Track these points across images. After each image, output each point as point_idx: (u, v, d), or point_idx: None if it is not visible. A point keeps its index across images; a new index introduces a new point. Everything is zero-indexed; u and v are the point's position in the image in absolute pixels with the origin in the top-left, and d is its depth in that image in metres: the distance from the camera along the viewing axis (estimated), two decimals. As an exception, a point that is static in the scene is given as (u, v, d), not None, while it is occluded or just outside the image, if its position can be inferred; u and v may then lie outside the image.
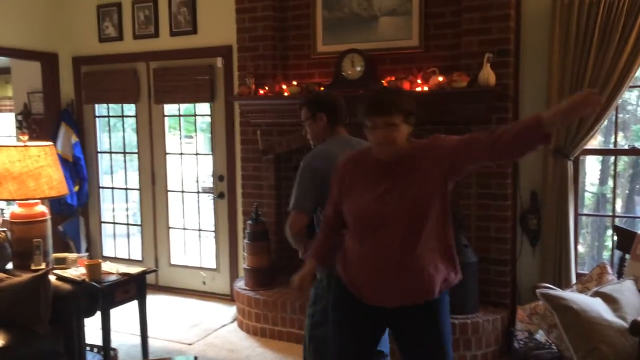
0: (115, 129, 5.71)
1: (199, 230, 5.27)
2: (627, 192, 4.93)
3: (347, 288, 2.25)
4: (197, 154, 5.25)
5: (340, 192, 2.27)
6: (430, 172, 2.10)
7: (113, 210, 5.71)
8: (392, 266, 2.11)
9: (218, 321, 4.51)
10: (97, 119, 5.63)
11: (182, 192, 5.31)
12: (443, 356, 2.19)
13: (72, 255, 3.72)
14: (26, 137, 3.65)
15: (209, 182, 5.23)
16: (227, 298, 4.98)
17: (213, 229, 5.14)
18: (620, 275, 2.92)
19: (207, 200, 5.22)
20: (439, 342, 2.18)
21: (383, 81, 3.98)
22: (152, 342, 3.91)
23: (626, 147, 4.19)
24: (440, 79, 3.77)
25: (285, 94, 4.23)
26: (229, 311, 4.67)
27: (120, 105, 5.52)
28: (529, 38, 3.82)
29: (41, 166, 3.50)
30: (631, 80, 3.53)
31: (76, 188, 5.41)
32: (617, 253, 3.10)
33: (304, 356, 2.87)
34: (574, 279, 3.56)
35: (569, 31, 3.57)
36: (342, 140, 2.82)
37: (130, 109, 5.47)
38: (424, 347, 2.20)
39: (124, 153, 5.59)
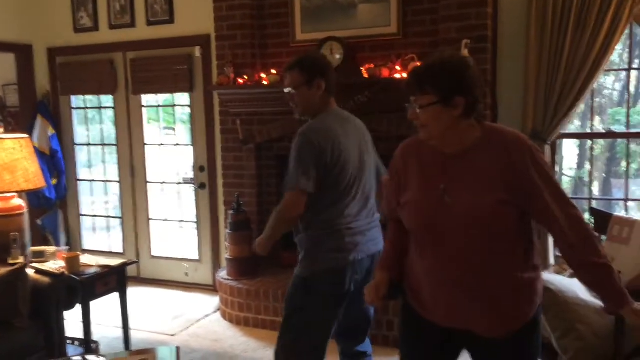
0: (93, 121, 5.64)
1: (181, 221, 5.24)
2: (603, 175, 5.01)
3: (410, 299, 1.94)
4: (177, 144, 5.21)
5: (396, 191, 1.89)
6: (501, 178, 1.69)
7: (92, 203, 5.65)
8: (467, 286, 1.75)
9: (201, 312, 4.50)
10: (73, 111, 5.55)
11: (163, 183, 5.27)
12: None
13: (50, 249, 3.68)
14: (1, 130, 3.58)
15: (189, 173, 5.20)
16: (210, 288, 4.97)
17: (194, 219, 5.12)
18: (597, 256, 2.97)
19: (188, 191, 5.19)
20: None
21: (362, 69, 3.97)
22: (134, 334, 3.89)
23: (602, 130, 4.25)
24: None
25: (265, 82, 4.21)
26: (212, 301, 4.67)
27: (97, 96, 5.44)
28: (507, 24, 3.84)
29: (17, 159, 3.44)
30: (606, 64, 3.57)
31: (54, 181, 5.34)
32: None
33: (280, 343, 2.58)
34: (552, 262, 3.61)
35: (546, 17, 3.60)
36: (340, 116, 2.51)
37: (107, 100, 5.39)
38: None
39: (102, 145, 5.52)
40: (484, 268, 1.73)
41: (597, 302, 2.47)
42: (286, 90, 2.49)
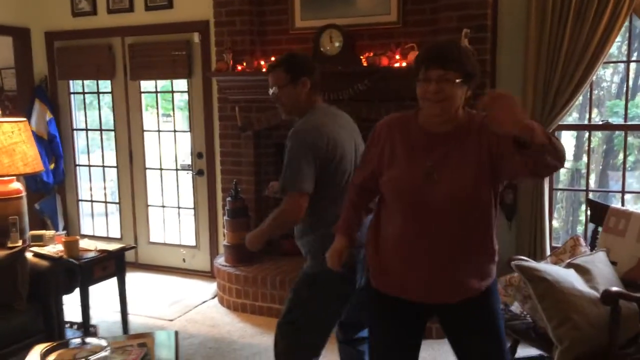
0: (91, 106, 5.62)
1: (178, 207, 5.25)
2: (600, 167, 5.04)
3: (374, 278, 2.00)
4: (175, 131, 5.20)
5: (379, 161, 1.94)
6: (483, 153, 1.80)
7: (90, 188, 5.64)
8: (440, 258, 1.85)
9: (199, 298, 4.52)
10: (72, 96, 5.52)
11: (161, 169, 5.27)
12: (501, 349, 1.95)
13: (49, 233, 3.69)
14: (-1, 113, 3.58)
15: (187, 160, 5.19)
16: (208, 275, 4.99)
17: (192, 206, 5.12)
18: (593, 247, 3.00)
19: (186, 178, 5.19)
20: (496, 333, 1.94)
21: (361, 57, 3.97)
22: (132, 319, 3.92)
23: (600, 123, 4.26)
24: (415, 58, 3.76)
25: (264, 69, 4.19)
26: (210, 288, 4.69)
27: (95, 81, 5.42)
28: (507, 14, 3.83)
29: (15, 142, 3.43)
30: (605, 57, 3.57)
31: (52, 166, 5.33)
32: (591, 226, 3.18)
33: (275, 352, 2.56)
34: (548, 252, 3.64)
35: (546, 8, 3.59)
36: (330, 111, 2.48)
37: (105, 85, 5.37)
38: (479, 342, 1.94)
39: (101, 130, 5.51)
40: (459, 243, 1.85)
41: (593, 293, 2.51)
42: (270, 90, 2.47)
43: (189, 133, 5.06)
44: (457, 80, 1.76)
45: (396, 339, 2.01)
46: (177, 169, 5.24)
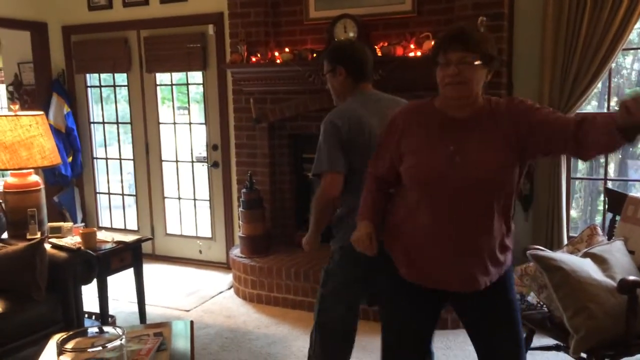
0: (108, 99, 5.67)
1: (194, 199, 5.28)
2: (620, 156, 4.95)
3: (397, 267, 1.98)
4: (190, 123, 5.23)
5: (397, 150, 1.93)
6: (506, 139, 1.80)
7: (108, 181, 5.71)
8: (467, 244, 1.85)
9: (215, 288, 4.56)
10: (88, 89, 5.58)
11: (177, 162, 5.30)
12: (518, 337, 1.95)
13: (67, 225, 3.73)
14: (17, 107, 3.62)
15: (203, 152, 5.22)
16: (223, 266, 5.03)
17: (208, 198, 5.16)
18: (610, 236, 2.95)
19: (202, 170, 5.22)
20: (512, 322, 1.93)
21: (376, 47, 3.94)
22: (150, 310, 3.96)
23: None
24: (434, 43, 3.73)
25: (278, 61, 4.19)
26: (226, 279, 4.72)
27: (111, 74, 5.46)
28: (523, 1, 3.77)
29: (33, 136, 3.48)
30: (624, 43, 3.51)
31: (70, 159, 5.40)
32: (608, 215, 3.13)
33: (310, 344, 2.59)
34: (565, 242, 3.60)
35: (563, -7, 3.54)
36: (368, 97, 2.48)
37: (122, 78, 5.42)
38: (496, 330, 1.94)
39: (117, 123, 5.56)
40: (484, 228, 1.85)
41: (610, 282, 2.47)
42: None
43: (204, 125, 5.08)
44: (477, 62, 1.75)
45: (413, 324, 2.01)
46: (192, 161, 5.28)
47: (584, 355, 2.48)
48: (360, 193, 2.17)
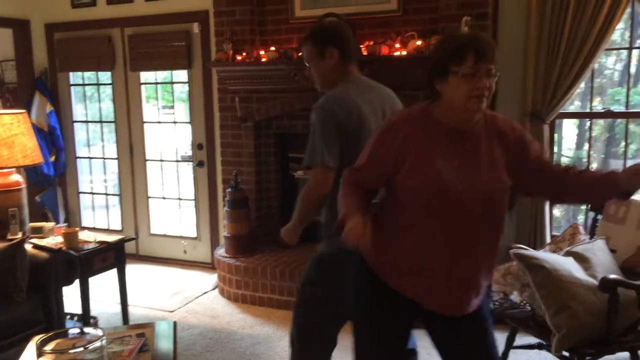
0: (92, 98, 5.61)
1: (179, 199, 5.25)
2: (602, 156, 5.00)
3: (387, 284, 1.85)
4: (175, 122, 5.19)
5: (397, 160, 1.75)
6: (504, 157, 1.77)
7: (91, 180, 5.65)
8: (468, 266, 1.76)
9: (199, 289, 4.53)
10: (72, 88, 5.52)
11: (161, 161, 5.26)
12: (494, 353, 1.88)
13: (48, 225, 3.69)
14: (-2, 105, 3.57)
15: (188, 151, 5.19)
16: (208, 266, 5.00)
17: (193, 197, 5.13)
18: (592, 235, 2.97)
19: (187, 169, 5.19)
20: (492, 347, 1.87)
21: (362, 46, 3.94)
22: (133, 310, 3.93)
23: (602, 110, 4.23)
24: (419, 43, 3.74)
25: (264, 59, 4.18)
26: (210, 279, 4.70)
27: (95, 73, 5.41)
28: (507, 1, 3.79)
29: (14, 134, 3.43)
30: (607, 44, 3.54)
31: (52, 158, 5.33)
32: (591, 214, 3.16)
33: (290, 342, 2.49)
34: (548, 241, 3.62)
35: (547, -6, 3.56)
36: (361, 84, 2.34)
37: (105, 77, 5.36)
38: (473, 348, 1.86)
39: (101, 122, 5.50)
40: (487, 246, 1.79)
41: (591, 280, 2.49)
42: (306, 65, 2.42)
43: (189, 124, 5.05)
44: (498, 74, 1.68)
45: (391, 333, 1.93)
46: (177, 161, 5.24)
47: (566, 353, 2.50)
48: None
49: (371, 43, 3.91)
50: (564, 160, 5.08)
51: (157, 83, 5.25)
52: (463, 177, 1.71)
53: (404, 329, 1.95)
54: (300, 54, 4.01)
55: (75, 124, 5.56)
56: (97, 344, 1.95)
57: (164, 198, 5.30)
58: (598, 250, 2.70)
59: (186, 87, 5.03)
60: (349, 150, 2.19)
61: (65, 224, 5.33)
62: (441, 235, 1.73)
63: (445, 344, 1.91)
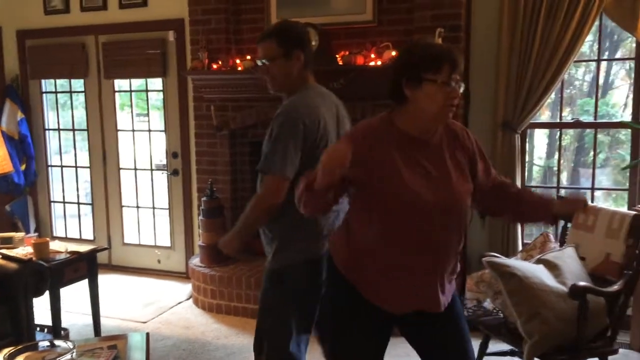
0: (64, 106, 5.53)
1: (153, 208, 5.19)
2: (572, 164, 5.11)
3: (360, 292, 1.86)
4: (149, 130, 5.14)
5: (360, 171, 1.73)
6: (464, 160, 1.85)
7: (63, 189, 5.56)
8: (442, 266, 1.82)
9: (173, 299, 4.48)
10: (44, 95, 5.44)
11: (135, 169, 5.21)
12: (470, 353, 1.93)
13: (18, 235, 3.62)
14: (-34, 113, 3.50)
15: (163, 160, 5.14)
16: (183, 276, 4.95)
17: (167, 206, 5.08)
18: (562, 243, 3.03)
19: (161, 178, 5.14)
20: (466, 341, 1.92)
21: (337, 56, 3.97)
22: (105, 322, 3.86)
23: (571, 121, 4.33)
24: (394, 53, 3.78)
25: (239, 68, 4.18)
26: (185, 289, 4.65)
27: (68, 80, 5.34)
28: (479, 14, 3.87)
29: (-17, 142, 3.37)
30: (576, 55, 3.63)
31: (23, 167, 5.24)
32: (561, 223, 3.22)
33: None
34: (520, 249, 3.68)
35: (518, 7, 3.63)
36: (320, 92, 2.29)
37: (79, 84, 5.30)
38: (451, 350, 1.91)
39: (73, 130, 5.43)
40: (451, 249, 1.83)
41: (561, 288, 2.54)
42: (260, 62, 2.27)
43: (164, 132, 5.01)
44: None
45: (367, 344, 1.92)
46: (152, 169, 5.19)
47: (537, 360, 2.54)
48: None
49: (347, 53, 3.94)
50: (535, 169, 5.18)
51: (131, 91, 5.20)
52: (428, 184, 1.75)
53: (382, 340, 1.95)
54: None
55: (47, 131, 5.48)
56: (68, 356, 1.92)
57: (137, 207, 5.24)
58: (568, 258, 2.75)
59: (161, 95, 5.00)
60: (310, 161, 2.08)
61: (36, 234, 5.23)
62: (406, 240, 1.77)
63: (425, 348, 1.95)
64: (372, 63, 3.83)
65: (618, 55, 5.68)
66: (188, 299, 4.47)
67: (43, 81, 5.41)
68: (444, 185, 1.78)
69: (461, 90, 1.74)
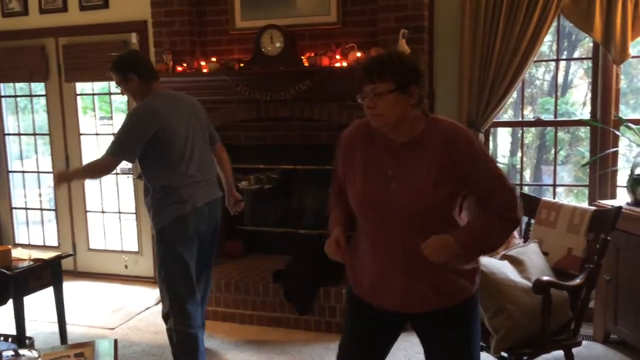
0: (25, 110, 5.40)
1: (119, 212, 5.11)
2: (534, 162, 5.24)
3: (354, 285, 1.99)
4: (114, 134, 5.04)
5: (344, 174, 1.94)
6: (445, 168, 1.78)
7: (25, 195, 5.42)
8: (407, 267, 1.84)
9: (142, 304, 4.42)
10: (2, 99, 5.30)
11: (100, 174, 5.11)
12: None
13: (-22, 243, 3.51)
14: None
15: (127, 163, 5.06)
16: (151, 281, 4.88)
17: (134, 210, 5.00)
18: (526, 239, 3.11)
19: (127, 182, 5.06)
20: (467, 349, 1.91)
21: (303, 57, 3.98)
22: (72, 329, 3.78)
23: (532, 119, 4.43)
24: (359, 54, 3.81)
25: (205, 70, 4.14)
26: (153, 294, 4.59)
27: (28, 84, 5.21)
28: (442, 15, 3.92)
29: (-61, 149, 3.26)
30: (536, 55, 3.72)
31: (-18, 173, 5.09)
32: (524, 219, 3.29)
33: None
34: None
35: (479, 9, 3.70)
36: (166, 96, 3.00)
37: (39, 88, 5.18)
38: (447, 356, 1.93)
39: (35, 135, 5.30)
40: (417, 251, 1.79)
41: (526, 283, 2.61)
42: (116, 86, 3.05)
43: (128, 136, 4.93)
44: (388, 92, 1.73)
45: (361, 343, 2.00)
46: (116, 173, 5.10)
47: (504, 354, 2.60)
48: (172, 176, 2.88)
49: (312, 54, 3.96)
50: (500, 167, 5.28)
51: (94, 94, 5.10)
52: (395, 186, 1.80)
53: (377, 340, 2.00)
54: (242, 64, 4.04)
55: (6, 136, 5.34)
56: (32, 366, 1.88)
57: (103, 212, 5.15)
58: (531, 253, 2.82)
59: (125, 98, 4.92)
60: (158, 150, 2.88)
61: (-3, 242, 5.09)
62: (374, 237, 1.87)
63: (425, 345, 2.00)
64: (337, 64, 3.85)
65: (576, 55, 5.85)
66: (156, 304, 4.41)
67: (2, 85, 5.27)
68: (407, 189, 1.78)
69: (380, 98, 1.74)
